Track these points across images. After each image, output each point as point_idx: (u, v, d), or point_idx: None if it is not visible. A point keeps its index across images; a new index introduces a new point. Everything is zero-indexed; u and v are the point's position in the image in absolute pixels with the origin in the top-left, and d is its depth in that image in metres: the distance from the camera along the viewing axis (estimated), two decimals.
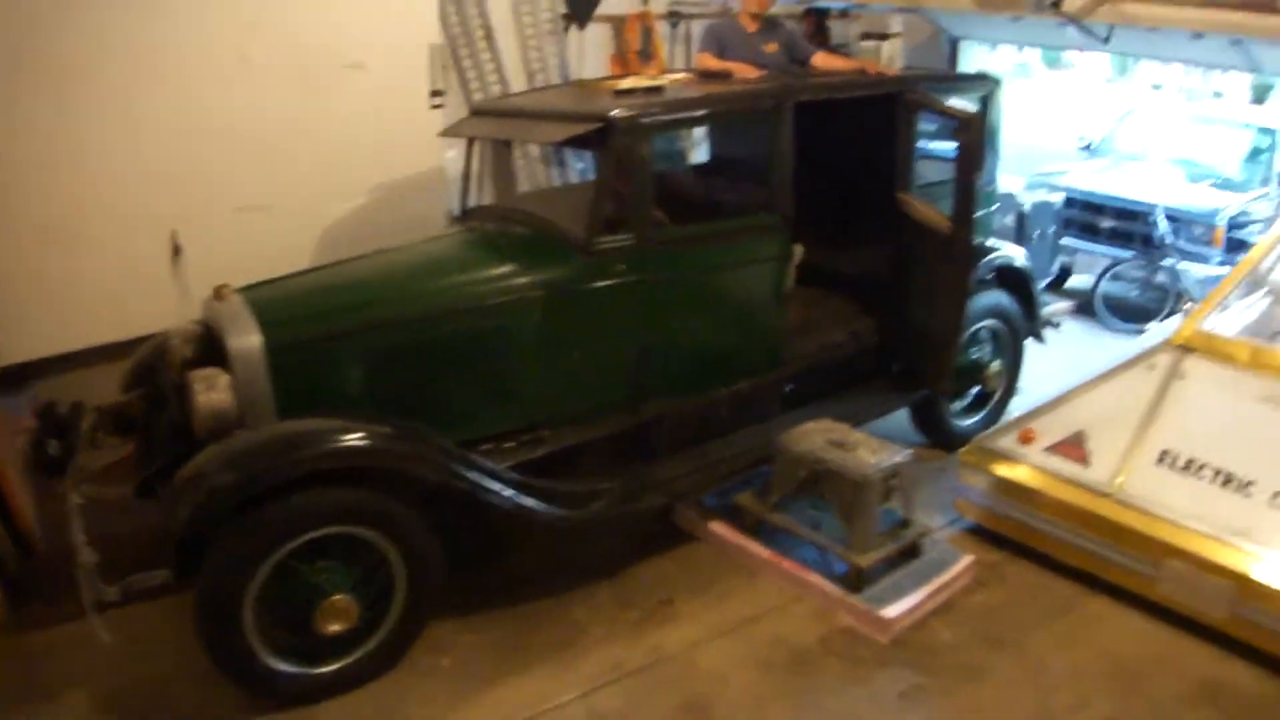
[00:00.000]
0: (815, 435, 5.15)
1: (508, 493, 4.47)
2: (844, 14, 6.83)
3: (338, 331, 4.39)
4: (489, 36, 8.14)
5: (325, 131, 6.60)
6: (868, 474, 4.83)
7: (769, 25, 6.67)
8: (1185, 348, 5.40)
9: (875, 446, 5.04)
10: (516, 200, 6.26)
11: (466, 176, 5.97)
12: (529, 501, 4.55)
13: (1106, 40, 6.08)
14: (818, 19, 8.51)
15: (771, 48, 6.54)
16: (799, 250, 5.48)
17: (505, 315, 4.70)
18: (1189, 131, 10.47)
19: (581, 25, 8.69)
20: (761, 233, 5.41)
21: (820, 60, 6.47)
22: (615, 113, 4.84)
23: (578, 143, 5.04)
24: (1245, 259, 5.77)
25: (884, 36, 6.64)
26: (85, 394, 4.90)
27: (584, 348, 4.96)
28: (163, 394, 4.64)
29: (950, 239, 5.54)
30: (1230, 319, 5.68)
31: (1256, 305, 5.96)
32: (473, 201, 5.98)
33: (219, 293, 4.41)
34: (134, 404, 4.76)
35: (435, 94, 7.14)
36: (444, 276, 4.83)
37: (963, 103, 5.84)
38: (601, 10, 8.79)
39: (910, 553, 5.14)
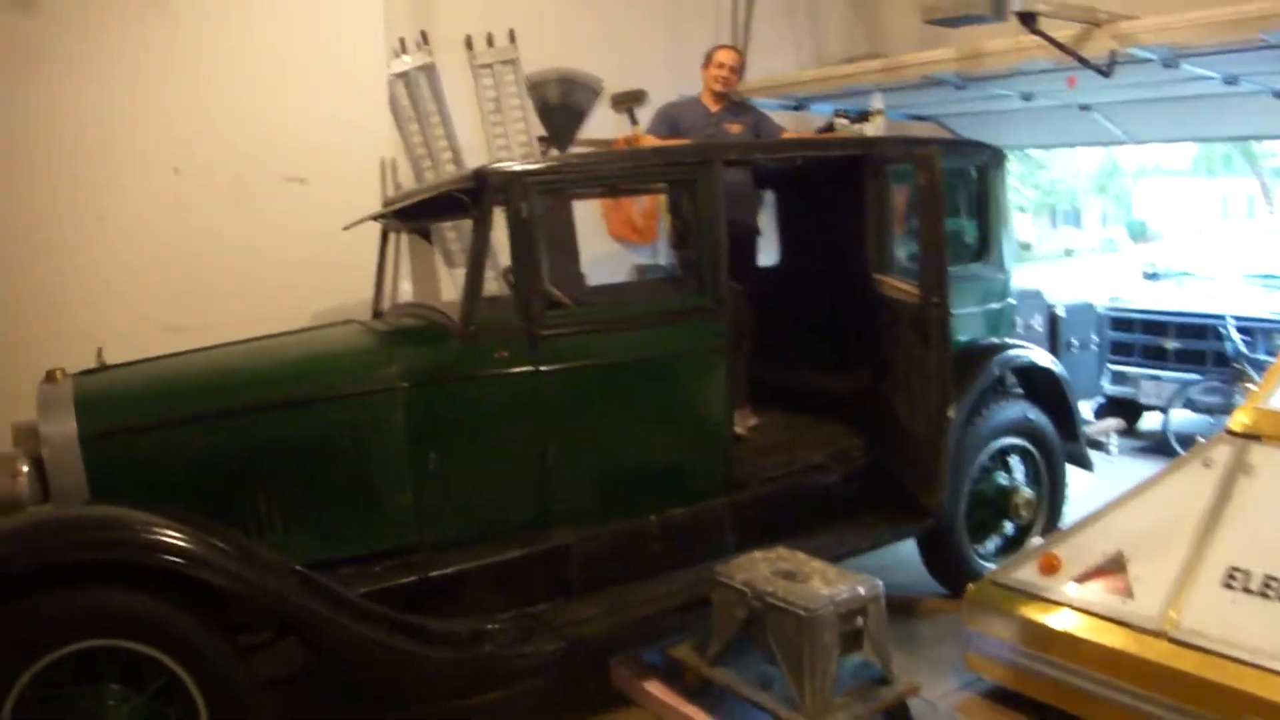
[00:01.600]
0: (761, 564, 4.02)
1: (352, 622, 3.56)
2: (863, 117, 5.96)
3: (165, 420, 3.80)
4: (456, 159, 7.41)
5: (263, 248, 6.11)
6: (816, 608, 3.65)
7: (735, 106, 5.92)
8: (1250, 435, 4.19)
9: (834, 577, 3.88)
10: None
11: (380, 273, 5.32)
12: (380, 635, 3.61)
13: (1107, 73, 5.04)
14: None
15: (735, 129, 5.77)
16: None
17: (364, 409, 3.99)
18: (1266, 247, 9.39)
19: (562, 149, 7.94)
20: (691, 318, 4.49)
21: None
22: (491, 166, 4.07)
23: (459, 211, 4.18)
24: None
25: (864, 116, 5.76)
26: None
27: (465, 454, 4.09)
28: None
29: (921, 308, 4.49)
30: None
31: None
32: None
33: (51, 376, 3.95)
34: None
35: None
36: (297, 364, 4.23)
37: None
38: (585, 134, 8.03)
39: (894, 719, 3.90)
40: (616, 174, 4.58)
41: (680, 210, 4.71)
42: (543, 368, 4.10)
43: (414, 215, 5.17)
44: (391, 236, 5.36)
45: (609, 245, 8.06)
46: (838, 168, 5.27)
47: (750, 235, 5.84)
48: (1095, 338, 7.24)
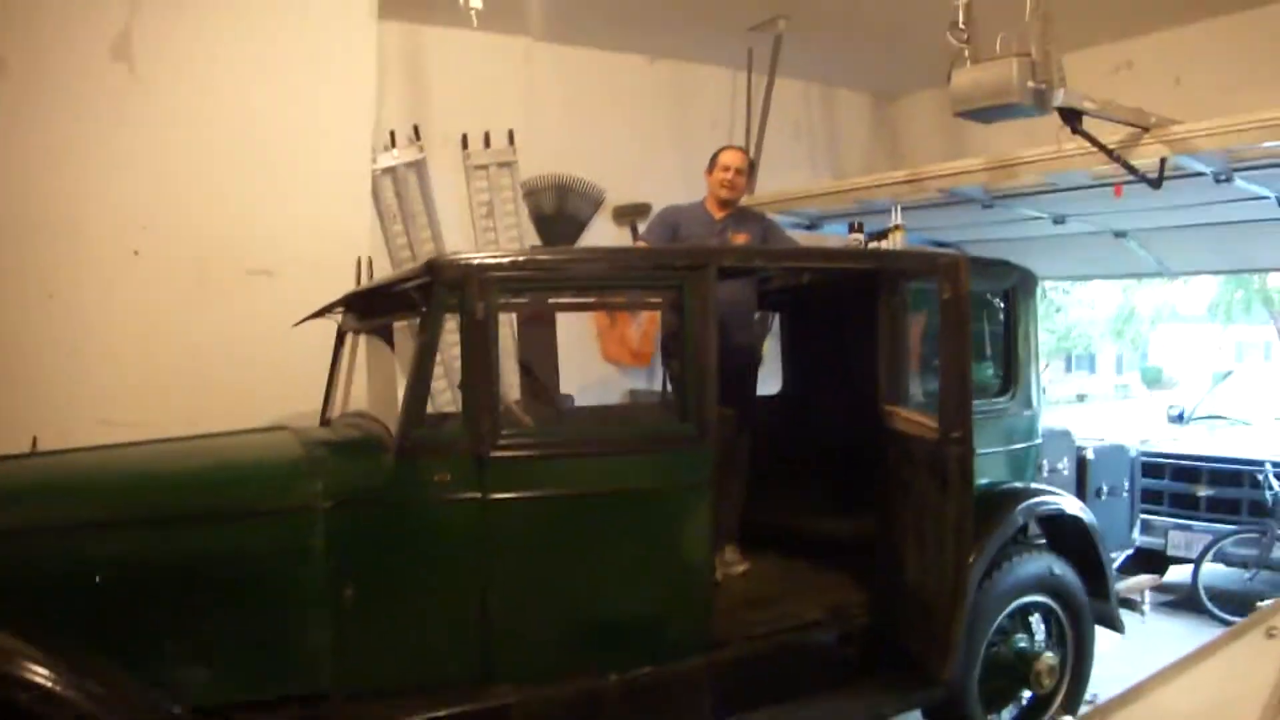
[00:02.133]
0: None
1: None
2: (880, 236, 5.50)
3: (46, 525, 3.30)
4: None
5: (221, 344, 5.73)
6: None
7: (742, 214, 5.40)
8: None
9: None
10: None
11: (332, 377, 4.85)
12: None
13: (1157, 184, 4.52)
14: None
15: (740, 238, 5.24)
16: None
17: (278, 529, 3.45)
18: None
19: None
20: (670, 447, 3.89)
21: None
22: (445, 258, 3.59)
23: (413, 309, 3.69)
24: None
25: (882, 234, 5.27)
26: None
27: (392, 591, 3.53)
28: None
29: (939, 446, 3.89)
30: None
31: None
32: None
33: None
34: None
35: None
36: (207, 472, 3.72)
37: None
38: (585, 242, 7.58)
39: None
40: (593, 276, 4.00)
41: (667, 322, 4.17)
42: (491, 495, 3.53)
43: (371, 314, 4.66)
44: (348, 338, 4.87)
45: (603, 369, 7.57)
46: (849, 285, 4.79)
47: (751, 360, 5.29)
48: (1127, 484, 6.64)
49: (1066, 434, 6.14)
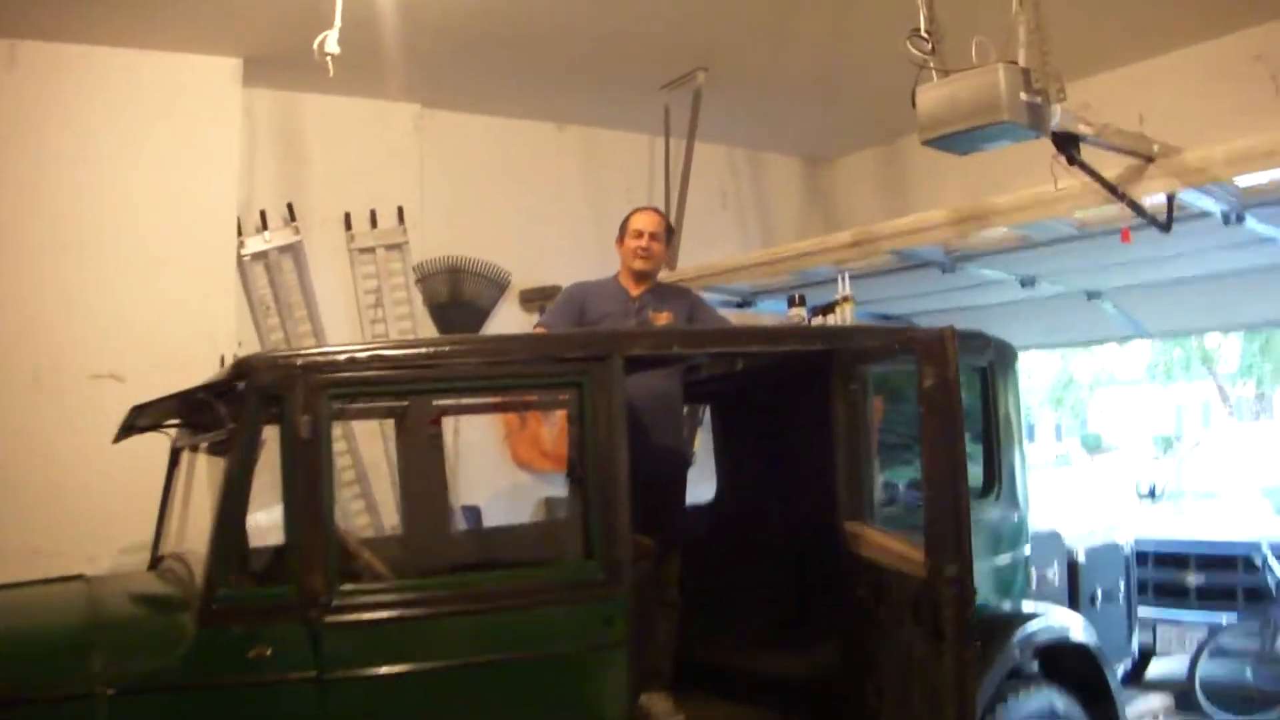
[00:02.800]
0: None
1: None
2: (826, 309, 4.78)
3: None
4: None
5: (63, 461, 5.23)
6: None
7: (662, 290, 4.66)
8: None
9: None
10: None
11: (164, 505, 4.05)
12: None
13: (1167, 227, 3.75)
14: None
15: (662, 318, 4.46)
16: None
17: None
18: (1270, 456, 8.33)
19: None
20: (571, 597, 3.06)
21: None
22: (259, 356, 2.95)
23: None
24: None
25: (829, 308, 4.53)
26: None
27: None
28: None
29: (928, 586, 3.03)
30: None
31: None
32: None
33: None
34: None
35: None
36: None
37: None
38: (490, 332, 6.83)
39: None
40: (462, 374, 3.11)
41: (569, 428, 3.33)
42: (328, 675, 2.70)
43: (208, 427, 3.78)
44: (185, 456, 4.01)
45: (515, 475, 6.80)
46: (794, 371, 4.07)
47: (677, 466, 4.45)
48: (1123, 585, 5.85)
49: (1055, 536, 5.33)
